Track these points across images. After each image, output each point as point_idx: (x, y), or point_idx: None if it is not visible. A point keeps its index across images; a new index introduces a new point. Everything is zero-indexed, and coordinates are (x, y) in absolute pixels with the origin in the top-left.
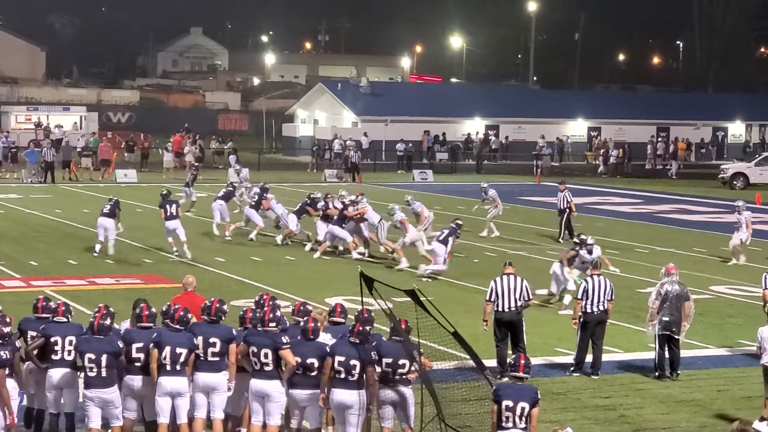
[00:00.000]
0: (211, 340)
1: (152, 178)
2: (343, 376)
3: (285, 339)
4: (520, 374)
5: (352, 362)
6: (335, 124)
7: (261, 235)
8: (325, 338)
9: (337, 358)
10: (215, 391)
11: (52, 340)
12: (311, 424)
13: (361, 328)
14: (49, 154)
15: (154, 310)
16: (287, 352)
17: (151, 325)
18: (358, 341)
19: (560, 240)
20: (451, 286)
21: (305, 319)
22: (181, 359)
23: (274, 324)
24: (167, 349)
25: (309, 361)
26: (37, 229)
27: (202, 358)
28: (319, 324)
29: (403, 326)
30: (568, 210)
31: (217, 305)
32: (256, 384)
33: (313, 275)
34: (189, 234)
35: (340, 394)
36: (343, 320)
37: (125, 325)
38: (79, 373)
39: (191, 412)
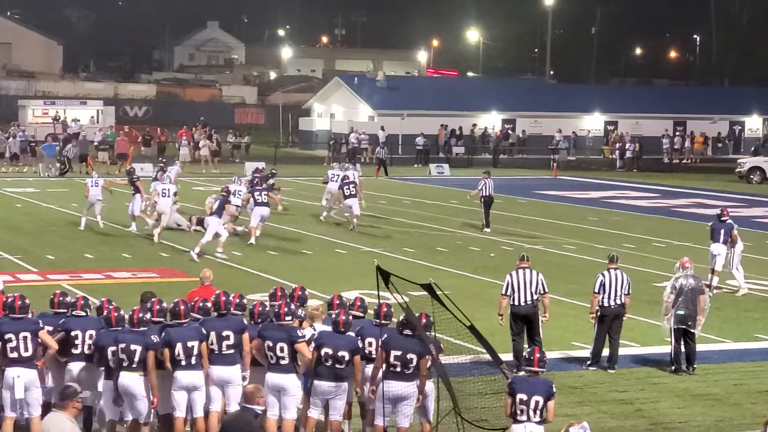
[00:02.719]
0: (224, 333)
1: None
2: (399, 369)
3: (301, 333)
4: (535, 368)
5: (409, 356)
6: (352, 118)
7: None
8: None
9: (393, 353)
10: (230, 384)
11: (73, 334)
12: (333, 416)
13: (407, 321)
14: (72, 151)
15: (165, 304)
16: (303, 346)
17: (162, 319)
18: (410, 334)
19: (487, 229)
20: (467, 279)
21: (337, 312)
22: (195, 352)
23: (289, 318)
24: (179, 346)
25: (341, 354)
26: (54, 223)
27: (216, 352)
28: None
29: (423, 321)
30: (489, 198)
31: (224, 298)
32: (272, 378)
33: (329, 269)
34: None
35: (396, 387)
36: (362, 314)
37: None
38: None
39: (207, 405)
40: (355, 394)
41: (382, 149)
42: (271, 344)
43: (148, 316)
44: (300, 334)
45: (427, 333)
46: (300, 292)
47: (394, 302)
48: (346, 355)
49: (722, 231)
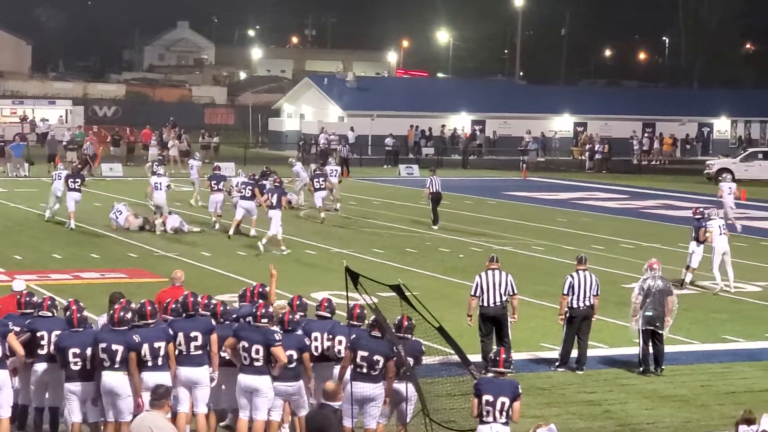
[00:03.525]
0: (192, 334)
1: (137, 172)
2: (365, 370)
3: (278, 336)
4: (501, 369)
5: (376, 357)
6: (321, 119)
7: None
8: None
9: (360, 353)
10: (197, 385)
11: (39, 334)
12: (297, 413)
13: (380, 324)
14: (91, 149)
15: (133, 305)
16: (279, 350)
17: (125, 328)
18: (379, 335)
19: (434, 226)
20: (436, 281)
21: (283, 312)
22: (161, 353)
23: (266, 320)
24: (145, 347)
25: (288, 353)
26: (22, 223)
27: (184, 353)
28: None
29: (405, 323)
30: (438, 195)
31: (192, 299)
32: (245, 379)
33: (298, 270)
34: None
35: (362, 388)
36: (329, 315)
37: (102, 320)
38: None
39: (174, 406)
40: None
41: (344, 147)
42: (246, 345)
43: (129, 315)
44: (277, 338)
45: (409, 336)
46: (260, 289)
47: (364, 303)
48: (294, 354)
49: (694, 229)
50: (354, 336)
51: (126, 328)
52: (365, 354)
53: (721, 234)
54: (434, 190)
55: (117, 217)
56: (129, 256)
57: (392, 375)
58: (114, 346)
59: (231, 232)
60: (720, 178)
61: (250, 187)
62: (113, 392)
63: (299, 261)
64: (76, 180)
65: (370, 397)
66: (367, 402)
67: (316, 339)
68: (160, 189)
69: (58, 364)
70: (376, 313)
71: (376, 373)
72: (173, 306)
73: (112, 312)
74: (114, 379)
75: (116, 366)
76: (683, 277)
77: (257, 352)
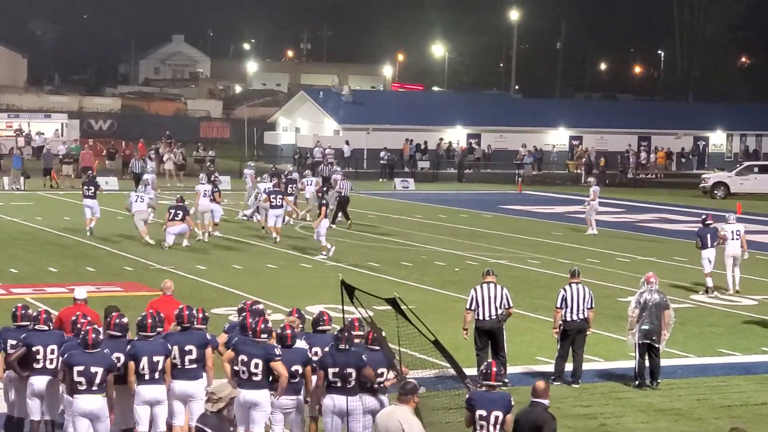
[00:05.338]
0: (187, 347)
1: (133, 186)
2: (340, 384)
3: (278, 351)
4: (492, 383)
5: (348, 370)
6: (317, 132)
7: (243, 241)
8: (302, 346)
9: (331, 370)
10: (192, 399)
11: (34, 349)
12: (294, 430)
13: (347, 335)
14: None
15: (125, 319)
16: (279, 365)
17: (119, 334)
18: (347, 347)
19: (332, 225)
20: (432, 294)
21: (282, 326)
22: (159, 367)
23: (266, 335)
24: (144, 360)
25: (294, 368)
26: (18, 237)
27: (179, 367)
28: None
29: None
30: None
31: (188, 312)
32: (243, 394)
33: (294, 283)
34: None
35: (340, 401)
36: (329, 328)
37: None
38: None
39: (169, 420)
40: (305, 403)
41: (326, 167)
42: (245, 359)
43: (102, 337)
44: (277, 353)
45: (354, 348)
46: (253, 306)
47: (358, 316)
48: (300, 369)
49: (708, 235)
50: (320, 356)
51: (99, 349)
52: (335, 370)
53: (733, 239)
54: (344, 194)
55: (135, 200)
56: (124, 269)
57: (389, 385)
58: (93, 368)
59: (277, 238)
60: (588, 182)
61: (280, 196)
62: (93, 415)
63: (294, 274)
64: (90, 188)
65: (346, 411)
66: (347, 416)
67: (316, 354)
68: (207, 196)
69: (56, 377)
70: (371, 326)
71: (351, 385)
72: (116, 321)
73: (84, 333)
74: (93, 403)
75: (94, 389)
76: (707, 285)
77: (256, 366)
